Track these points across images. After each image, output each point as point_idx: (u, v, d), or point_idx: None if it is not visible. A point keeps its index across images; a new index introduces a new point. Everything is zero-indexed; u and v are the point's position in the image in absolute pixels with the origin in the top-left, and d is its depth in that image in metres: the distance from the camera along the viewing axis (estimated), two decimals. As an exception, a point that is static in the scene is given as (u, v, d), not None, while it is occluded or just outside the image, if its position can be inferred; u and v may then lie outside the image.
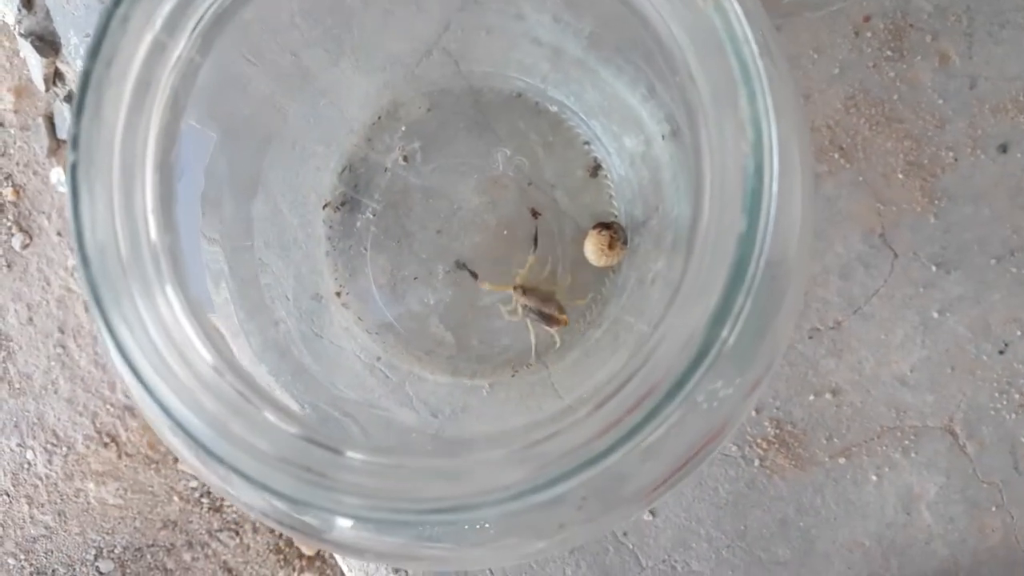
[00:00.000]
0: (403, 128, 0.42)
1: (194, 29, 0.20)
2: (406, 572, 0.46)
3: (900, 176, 0.43)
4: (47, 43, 0.47)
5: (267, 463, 0.20)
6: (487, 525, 0.21)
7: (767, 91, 0.17)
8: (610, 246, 0.40)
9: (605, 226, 0.40)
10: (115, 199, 0.19)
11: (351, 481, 0.20)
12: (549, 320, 0.40)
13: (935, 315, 0.43)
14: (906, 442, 0.44)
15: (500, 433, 0.38)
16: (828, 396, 0.44)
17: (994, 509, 0.44)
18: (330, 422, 0.33)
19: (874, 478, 0.44)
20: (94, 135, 0.18)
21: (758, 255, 0.17)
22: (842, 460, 0.44)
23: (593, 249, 0.40)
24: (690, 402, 0.18)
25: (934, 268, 0.43)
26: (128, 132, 0.19)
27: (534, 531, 0.23)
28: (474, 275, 0.40)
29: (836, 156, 0.43)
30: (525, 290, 0.40)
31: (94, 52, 0.18)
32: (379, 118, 0.42)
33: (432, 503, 0.19)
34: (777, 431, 0.44)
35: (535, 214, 0.42)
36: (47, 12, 0.46)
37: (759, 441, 0.44)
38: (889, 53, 0.43)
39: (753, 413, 0.43)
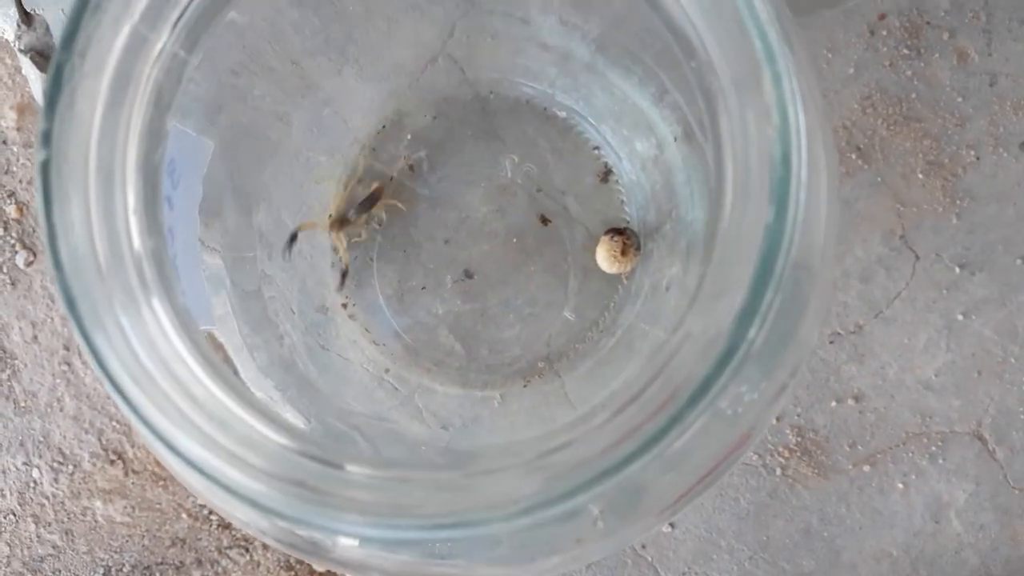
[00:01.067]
0: (409, 137, 0.41)
1: (176, 22, 0.19)
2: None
3: (920, 176, 0.42)
4: (47, 59, 0.46)
5: (258, 479, 0.19)
6: (499, 541, 0.20)
7: (792, 72, 0.16)
8: (623, 252, 0.39)
9: (617, 232, 0.39)
10: (92, 201, 0.18)
11: (351, 497, 0.19)
12: (372, 201, 0.39)
13: (960, 318, 0.42)
14: (933, 448, 0.42)
15: (512, 443, 0.37)
16: (851, 402, 0.43)
17: (1025, 517, 0.43)
18: (337, 436, 0.32)
19: (900, 486, 0.43)
20: (67, 131, 0.17)
21: (787, 247, 0.16)
22: (867, 468, 0.43)
23: (605, 255, 0.39)
24: (714, 408, 0.17)
25: (957, 269, 0.42)
26: (106, 129, 0.18)
27: (549, 546, 0.21)
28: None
29: (854, 157, 0.42)
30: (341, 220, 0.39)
31: (67, 42, 0.17)
32: (384, 127, 0.41)
33: (438, 518, 0.18)
34: (799, 439, 0.43)
35: (545, 221, 0.41)
36: (47, 27, 0.46)
37: (780, 449, 0.43)
38: (906, 51, 0.42)
39: (774, 421, 0.42)
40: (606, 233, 0.39)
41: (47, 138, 0.18)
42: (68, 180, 0.18)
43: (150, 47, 0.18)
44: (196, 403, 0.19)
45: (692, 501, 0.19)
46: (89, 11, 0.17)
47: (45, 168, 0.18)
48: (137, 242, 0.19)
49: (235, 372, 0.39)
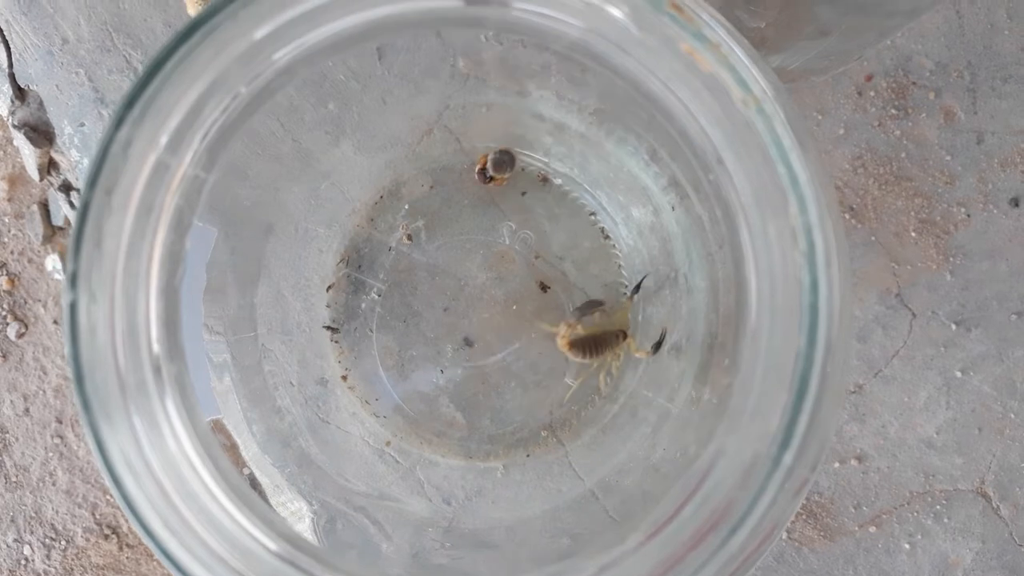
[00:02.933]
0: (406, 206, 0.41)
1: (199, 145, 0.19)
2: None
3: (913, 234, 0.42)
4: (41, 133, 0.46)
5: None
6: None
7: (818, 198, 0.16)
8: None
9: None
10: (117, 334, 0.18)
11: None
12: (609, 342, 0.38)
13: (958, 374, 0.42)
14: (937, 507, 0.42)
15: (519, 522, 0.37)
16: (854, 463, 0.42)
17: (1033, 574, 0.42)
18: (339, 521, 0.32)
19: (907, 546, 0.42)
20: (95, 270, 0.17)
21: (819, 372, 0.16)
22: (872, 529, 0.42)
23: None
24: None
25: (954, 326, 0.42)
26: (130, 261, 0.18)
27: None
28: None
29: (847, 217, 0.43)
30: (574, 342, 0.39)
31: (93, 181, 0.17)
32: (381, 197, 0.41)
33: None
34: (804, 502, 0.42)
35: (544, 287, 0.41)
36: (40, 103, 0.46)
37: (785, 513, 0.43)
38: (893, 111, 0.43)
39: (806, 492, 0.42)
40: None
41: (75, 280, 0.18)
42: (96, 318, 0.17)
43: (172, 174, 0.18)
44: (198, 509, 0.19)
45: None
46: (117, 147, 0.17)
47: (73, 309, 0.18)
48: (162, 365, 0.19)
49: (236, 451, 0.38)
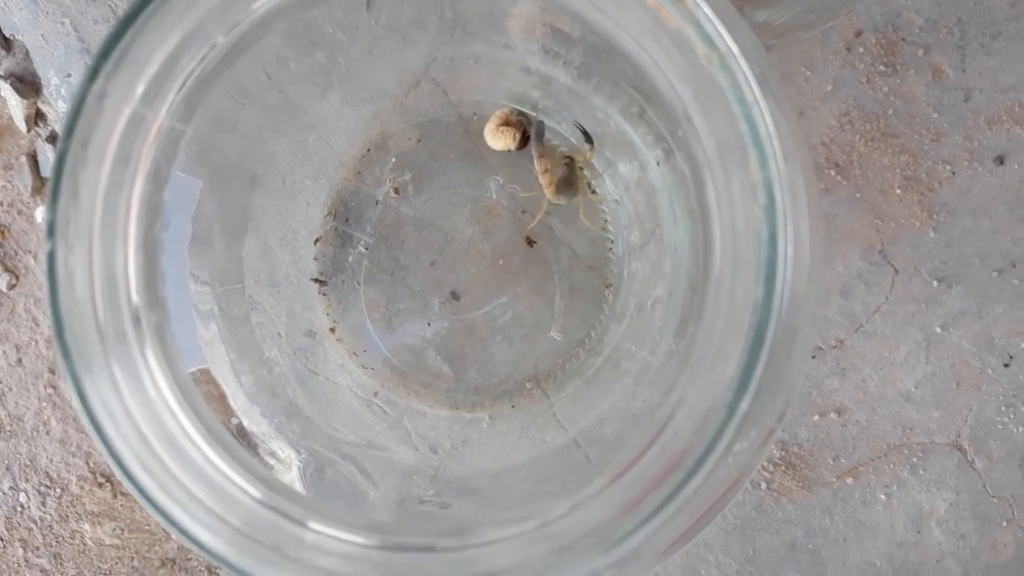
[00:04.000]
0: (393, 160, 0.41)
1: (175, 96, 0.19)
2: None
3: (898, 191, 0.43)
4: (28, 84, 0.46)
5: (224, 535, 0.19)
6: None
7: (779, 153, 0.17)
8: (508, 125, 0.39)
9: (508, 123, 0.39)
10: (96, 285, 0.18)
11: (312, 562, 0.19)
12: (576, 174, 0.39)
13: (938, 330, 0.43)
14: (914, 459, 0.43)
15: (503, 471, 0.37)
16: (833, 416, 0.43)
17: (1005, 524, 0.43)
18: (328, 469, 0.32)
19: (883, 497, 0.43)
20: (72, 221, 0.18)
21: (776, 321, 0.17)
22: (850, 480, 0.43)
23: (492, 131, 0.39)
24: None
25: (935, 283, 0.43)
26: (107, 212, 0.18)
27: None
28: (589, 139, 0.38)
29: (832, 173, 0.43)
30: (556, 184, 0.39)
31: (68, 133, 0.18)
32: (368, 150, 0.41)
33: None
34: (783, 453, 0.43)
35: (530, 242, 0.41)
36: (27, 53, 0.45)
37: (765, 464, 0.43)
38: (882, 68, 0.43)
39: (773, 442, 0.43)
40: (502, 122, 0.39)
41: (52, 230, 0.18)
42: (74, 267, 0.18)
43: (148, 126, 0.19)
44: (178, 455, 0.19)
45: (688, 542, 0.20)
46: (92, 99, 0.17)
47: (51, 258, 0.18)
48: (142, 315, 0.19)
49: (224, 400, 0.39)
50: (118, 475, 0.19)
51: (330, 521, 0.22)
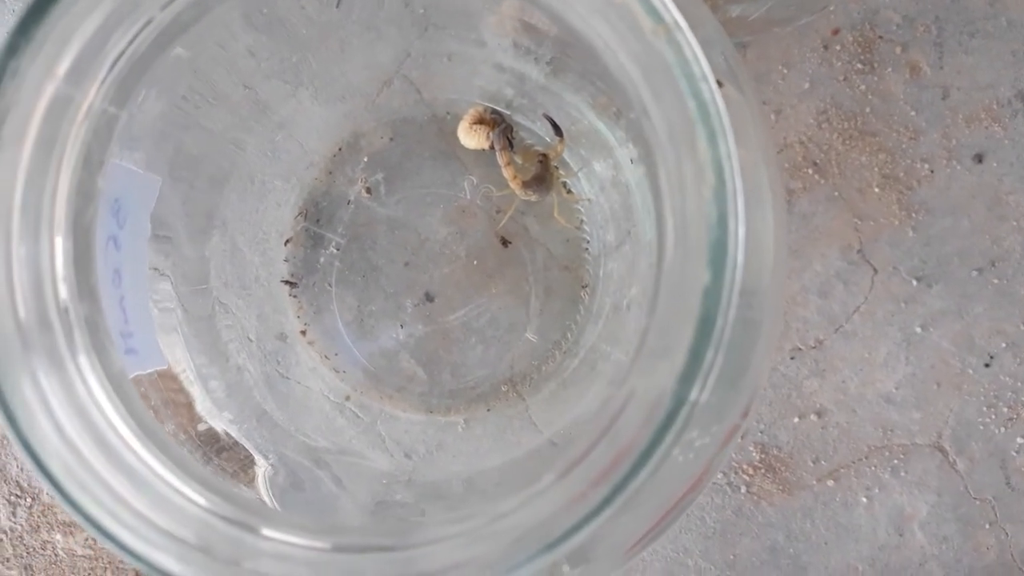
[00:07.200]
0: (365, 159, 0.40)
1: (105, 78, 0.18)
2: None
3: (876, 190, 0.42)
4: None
5: (174, 552, 0.18)
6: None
7: (728, 131, 0.16)
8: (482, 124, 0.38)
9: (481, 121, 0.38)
10: (16, 275, 0.17)
11: (264, 570, 0.18)
12: (549, 171, 0.38)
13: (918, 330, 0.42)
14: (895, 461, 0.43)
15: (476, 474, 0.37)
16: (813, 418, 0.43)
17: (988, 526, 0.43)
18: (297, 475, 0.32)
19: (864, 500, 0.43)
20: None
21: (726, 308, 0.16)
22: (830, 483, 0.43)
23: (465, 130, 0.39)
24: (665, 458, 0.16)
25: (915, 282, 0.42)
26: (29, 197, 0.17)
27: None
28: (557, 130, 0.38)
29: (810, 172, 0.42)
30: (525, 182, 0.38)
31: None
32: (340, 149, 0.40)
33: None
34: (763, 456, 0.43)
35: (505, 243, 0.41)
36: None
37: (745, 467, 0.43)
38: (859, 66, 0.42)
39: (738, 439, 0.42)
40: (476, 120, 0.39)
41: None
42: None
43: (76, 107, 0.18)
44: (115, 464, 0.18)
45: (653, 542, 0.19)
46: (7, 77, 0.16)
47: None
48: (69, 306, 0.18)
49: (191, 405, 0.38)
50: (46, 488, 0.18)
51: (286, 527, 0.21)
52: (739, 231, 0.16)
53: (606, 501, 0.16)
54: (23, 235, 0.17)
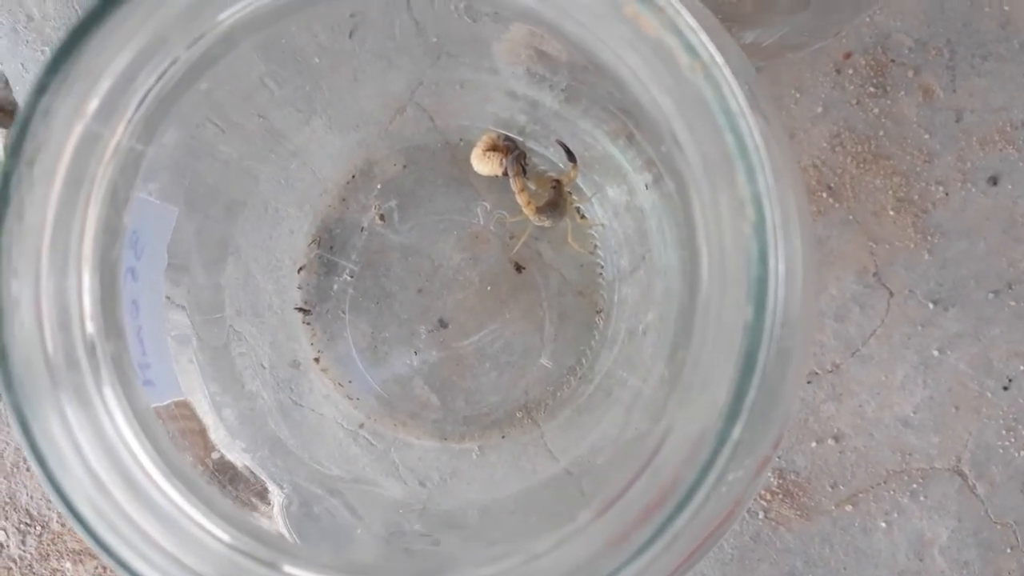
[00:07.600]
0: (379, 186, 0.40)
1: (132, 116, 0.18)
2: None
3: (891, 213, 0.42)
4: (7, 113, 0.46)
5: None
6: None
7: (767, 167, 0.16)
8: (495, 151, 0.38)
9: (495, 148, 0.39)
10: (44, 311, 0.17)
11: None
12: (563, 196, 0.38)
13: (935, 353, 0.42)
14: (914, 485, 0.42)
15: (493, 503, 0.36)
16: (831, 442, 0.42)
17: (1009, 551, 0.42)
18: (311, 505, 0.31)
19: (883, 525, 0.42)
20: (16, 243, 0.17)
21: (767, 343, 0.16)
22: (849, 508, 0.42)
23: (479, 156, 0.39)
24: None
25: (931, 305, 0.42)
26: (58, 235, 0.17)
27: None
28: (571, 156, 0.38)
29: (824, 195, 0.42)
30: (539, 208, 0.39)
31: (13, 151, 0.17)
32: (353, 177, 0.40)
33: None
34: (780, 481, 0.42)
35: (519, 268, 0.40)
36: (6, 82, 0.45)
37: (763, 492, 0.42)
38: (872, 89, 0.42)
39: (769, 470, 0.42)
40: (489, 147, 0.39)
41: None
42: (21, 293, 0.17)
43: (104, 145, 0.18)
44: (138, 498, 0.18)
45: (685, 574, 0.19)
46: (38, 116, 0.16)
47: None
48: (97, 344, 0.18)
49: (204, 434, 0.38)
50: (70, 521, 0.18)
51: (306, 564, 0.20)
52: (780, 268, 0.16)
53: (649, 542, 0.16)
54: (51, 272, 0.17)
